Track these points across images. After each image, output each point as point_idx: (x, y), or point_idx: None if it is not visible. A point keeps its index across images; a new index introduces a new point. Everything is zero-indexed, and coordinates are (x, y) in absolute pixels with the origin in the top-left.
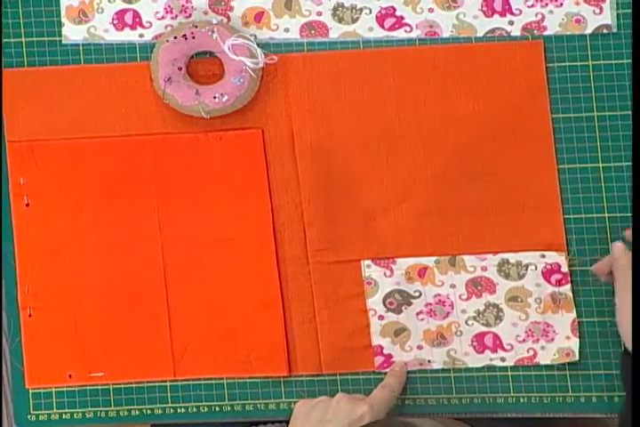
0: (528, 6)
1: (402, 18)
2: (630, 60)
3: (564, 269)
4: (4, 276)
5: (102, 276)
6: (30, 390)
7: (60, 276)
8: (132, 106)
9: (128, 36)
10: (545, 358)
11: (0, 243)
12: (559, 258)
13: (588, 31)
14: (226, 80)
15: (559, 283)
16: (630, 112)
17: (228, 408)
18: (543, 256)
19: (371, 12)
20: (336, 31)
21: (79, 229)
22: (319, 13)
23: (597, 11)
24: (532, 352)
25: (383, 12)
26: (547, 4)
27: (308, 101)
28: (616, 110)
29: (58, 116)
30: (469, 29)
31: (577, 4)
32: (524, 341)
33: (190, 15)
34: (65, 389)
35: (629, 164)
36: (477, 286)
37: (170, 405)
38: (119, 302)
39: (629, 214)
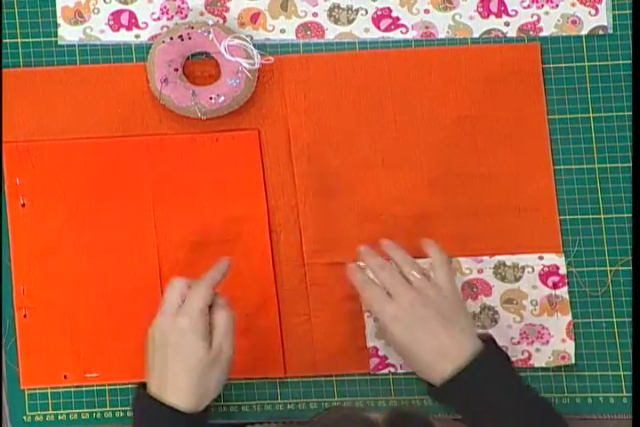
0: (524, 7)
1: (398, 19)
2: (626, 61)
3: (562, 270)
4: None
5: (98, 276)
6: (26, 391)
7: (56, 276)
8: (128, 107)
9: (124, 36)
10: (540, 361)
11: None
12: (558, 260)
13: (584, 32)
14: (222, 81)
15: (556, 285)
16: (626, 113)
17: (224, 409)
18: (541, 258)
19: (367, 12)
20: (332, 32)
21: (75, 230)
22: (315, 14)
23: (593, 12)
24: (526, 354)
25: (379, 12)
26: (542, 6)
27: (305, 102)
28: (612, 111)
29: (54, 117)
30: (465, 30)
31: (573, 5)
32: (518, 343)
33: (186, 16)
34: (61, 389)
35: (625, 164)
36: (473, 288)
37: None
38: (115, 302)
39: (625, 215)
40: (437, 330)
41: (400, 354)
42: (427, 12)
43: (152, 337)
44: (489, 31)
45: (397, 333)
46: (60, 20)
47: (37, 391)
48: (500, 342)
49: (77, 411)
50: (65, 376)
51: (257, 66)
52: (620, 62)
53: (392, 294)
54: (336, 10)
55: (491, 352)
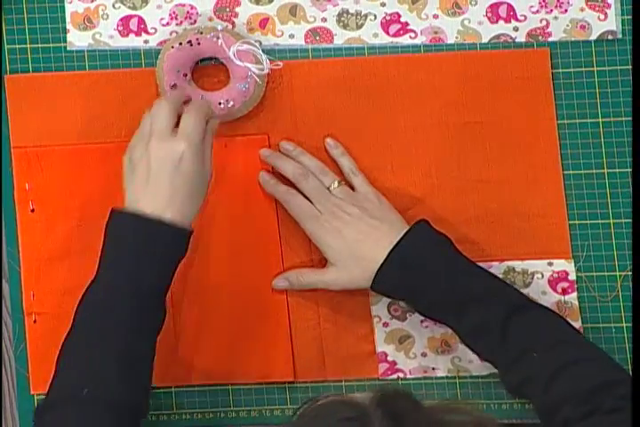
0: (533, 12)
1: (406, 24)
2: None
3: (572, 276)
4: (8, 281)
5: None
6: (35, 397)
7: (65, 281)
8: (137, 112)
9: (133, 42)
10: None
11: (2, 248)
12: (567, 265)
13: (593, 37)
14: (231, 86)
15: (565, 291)
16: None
17: (233, 415)
18: (550, 264)
19: (375, 18)
20: (341, 37)
21: (84, 235)
22: (324, 19)
23: (602, 17)
24: None
25: (388, 18)
26: (551, 11)
27: (314, 108)
28: (621, 116)
29: (63, 122)
30: (474, 35)
31: (582, 10)
32: None
33: (195, 21)
34: None
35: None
36: None
37: (175, 411)
38: None
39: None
40: (370, 232)
41: (340, 260)
42: (436, 17)
43: (146, 165)
44: (498, 36)
45: (336, 245)
46: (69, 26)
47: None
48: None
49: None
50: None
51: (266, 71)
52: (629, 67)
53: (320, 209)
54: (345, 15)
55: (419, 231)
